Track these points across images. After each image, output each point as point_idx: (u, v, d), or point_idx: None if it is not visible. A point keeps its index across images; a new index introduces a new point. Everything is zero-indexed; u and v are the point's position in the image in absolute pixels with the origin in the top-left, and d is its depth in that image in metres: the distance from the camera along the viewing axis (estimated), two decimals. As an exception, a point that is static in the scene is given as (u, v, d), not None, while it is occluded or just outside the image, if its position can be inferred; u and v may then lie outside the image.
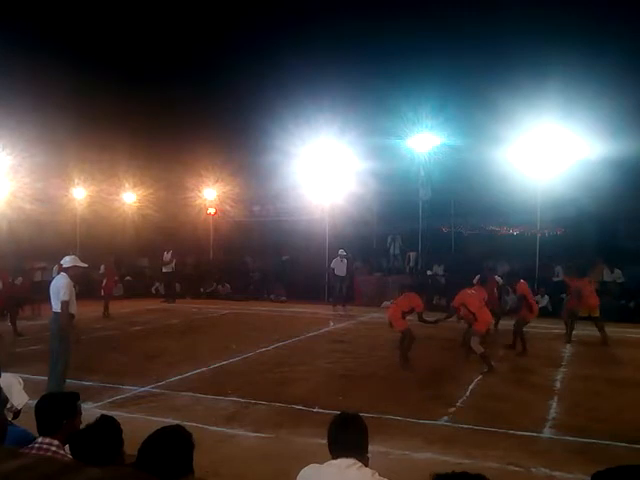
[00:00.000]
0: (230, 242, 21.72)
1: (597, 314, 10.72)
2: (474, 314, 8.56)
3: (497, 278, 12.02)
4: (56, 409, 2.86)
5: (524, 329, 9.97)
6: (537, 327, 11.33)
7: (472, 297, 8.79)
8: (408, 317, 8.99)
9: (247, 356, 9.46)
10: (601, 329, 10.61)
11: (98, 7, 21.73)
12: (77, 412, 2.93)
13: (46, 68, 16.80)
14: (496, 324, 11.40)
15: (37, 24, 20.30)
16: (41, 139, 16.26)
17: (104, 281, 14.69)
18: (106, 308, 14.22)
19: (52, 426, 2.79)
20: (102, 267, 14.92)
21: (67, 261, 6.96)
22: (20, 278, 13.17)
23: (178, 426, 2.45)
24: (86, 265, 7.35)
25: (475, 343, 8.43)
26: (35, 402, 2.93)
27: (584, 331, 11.16)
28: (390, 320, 9.08)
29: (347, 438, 2.64)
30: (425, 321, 9.09)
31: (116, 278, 15.16)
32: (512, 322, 10.33)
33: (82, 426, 2.73)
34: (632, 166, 15.02)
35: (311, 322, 13.59)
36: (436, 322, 9.33)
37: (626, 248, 17.04)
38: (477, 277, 12.20)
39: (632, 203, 16.55)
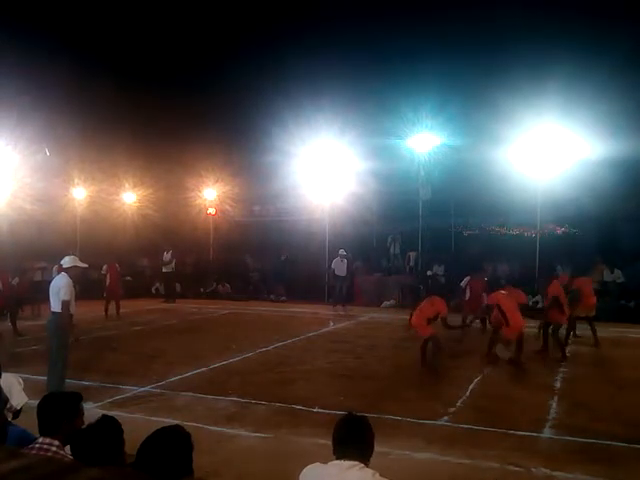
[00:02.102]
0: (230, 242, 21.71)
1: (594, 313, 10.55)
2: (507, 318, 8.13)
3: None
4: (58, 409, 2.86)
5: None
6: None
7: (507, 299, 8.35)
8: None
9: (247, 356, 9.45)
10: (594, 331, 10.41)
11: (100, 8, 21.76)
12: (79, 413, 2.92)
13: (47, 68, 16.80)
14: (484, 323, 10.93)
15: (40, 24, 20.33)
16: (42, 139, 16.26)
17: (107, 281, 14.55)
18: (117, 308, 14.20)
19: (53, 426, 2.79)
20: (104, 267, 14.76)
21: (67, 261, 6.96)
22: (17, 278, 13.13)
23: (177, 426, 2.44)
24: (86, 265, 7.36)
25: (501, 349, 8.07)
26: (35, 402, 2.92)
27: (584, 331, 11.12)
28: (415, 328, 8.56)
29: (351, 439, 2.60)
30: (450, 327, 8.53)
31: (127, 278, 14.92)
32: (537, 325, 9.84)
33: (83, 426, 2.72)
34: (632, 166, 15.02)
35: (311, 322, 13.59)
36: (465, 326, 8.77)
37: (626, 248, 17.03)
38: (466, 279, 12.01)
39: (632, 203, 16.54)
